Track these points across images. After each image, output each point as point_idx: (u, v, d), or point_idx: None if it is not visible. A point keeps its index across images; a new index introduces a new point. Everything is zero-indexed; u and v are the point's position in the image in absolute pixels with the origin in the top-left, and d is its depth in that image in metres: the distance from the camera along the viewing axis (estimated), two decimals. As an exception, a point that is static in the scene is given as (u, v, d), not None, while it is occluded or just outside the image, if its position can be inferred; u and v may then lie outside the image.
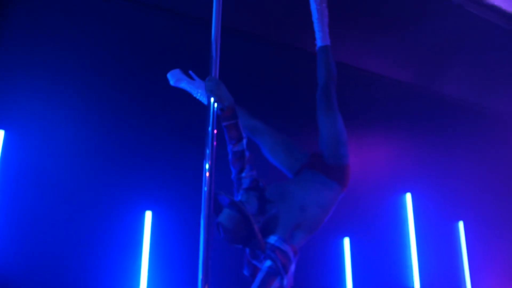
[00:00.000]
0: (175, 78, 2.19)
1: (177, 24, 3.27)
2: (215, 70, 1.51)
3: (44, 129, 2.61)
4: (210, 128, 1.45)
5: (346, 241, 3.58)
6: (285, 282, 1.49)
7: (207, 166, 1.41)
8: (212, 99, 1.48)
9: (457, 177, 4.53)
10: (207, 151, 1.41)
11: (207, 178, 1.40)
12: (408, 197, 4.08)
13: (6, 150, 2.42)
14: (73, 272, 2.52)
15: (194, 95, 2.10)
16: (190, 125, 3.05)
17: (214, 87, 1.49)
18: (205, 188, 1.38)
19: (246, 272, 1.66)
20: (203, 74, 1.80)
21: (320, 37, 1.92)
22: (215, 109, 1.48)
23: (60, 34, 2.80)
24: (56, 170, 2.58)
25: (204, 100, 1.84)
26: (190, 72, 2.05)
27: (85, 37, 2.88)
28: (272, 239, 1.53)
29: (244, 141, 1.62)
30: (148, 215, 2.75)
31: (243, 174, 1.66)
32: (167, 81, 2.25)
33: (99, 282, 2.56)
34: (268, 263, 1.50)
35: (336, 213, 3.35)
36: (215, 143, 1.44)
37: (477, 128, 4.89)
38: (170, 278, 2.78)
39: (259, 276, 1.51)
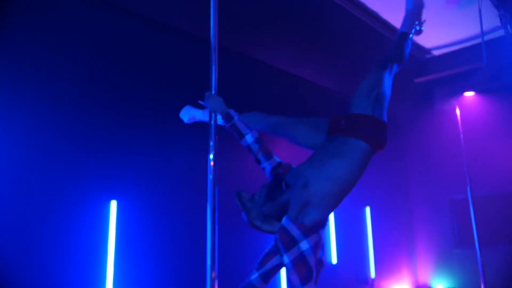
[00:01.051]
0: (187, 117, 2.31)
1: (179, 41, 3.46)
2: (214, 85, 1.84)
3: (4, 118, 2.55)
4: (212, 121, 1.78)
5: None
6: (285, 259, 1.56)
7: (211, 156, 1.74)
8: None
9: (365, 172, 5.41)
10: (211, 143, 1.75)
11: (211, 167, 1.73)
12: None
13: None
14: (38, 264, 2.49)
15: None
16: (156, 114, 3.20)
17: (209, 101, 1.80)
18: (210, 176, 1.71)
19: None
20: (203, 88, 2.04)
21: (405, 25, 2.15)
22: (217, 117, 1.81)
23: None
24: (20, 159, 2.55)
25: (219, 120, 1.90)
26: (200, 102, 2.05)
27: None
28: (282, 220, 1.63)
29: (247, 136, 1.76)
30: (114, 204, 2.83)
31: (261, 166, 1.81)
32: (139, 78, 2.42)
33: (65, 273, 2.57)
34: (273, 242, 1.65)
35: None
36: (216, 136, 1.77)
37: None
38: (136, 268, 2.89)
39: (262, 255, 1.72)
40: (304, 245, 1.57)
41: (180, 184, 3.26)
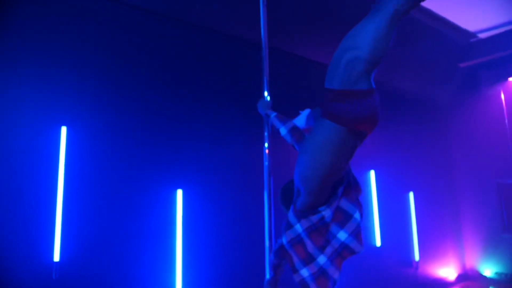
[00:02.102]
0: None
1: (232, 45, 3.76)
2: (265, 84, 2.14)
3: (92, 119, 3.02)
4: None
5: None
6: (283, 240, 1.61)
7: (266, 145, 2.07)
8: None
9: (408, 157, 5.50)
10: (265, 134, 2.08)
11: (267, 155, 2.06)
12: (372, 173, 5.00)
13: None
14: (114, 250, 2.91)
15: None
16: (216, 111, 3.54)
17: (258, 104, 2.11)
18: (266, 163, 2.04)
19: None
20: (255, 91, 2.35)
21: None
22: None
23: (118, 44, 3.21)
24: (104, 158, 3.02)
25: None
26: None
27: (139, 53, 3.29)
28: None
29: (281, 129, 1.91)
30: (179, 193, 3.23)
31: None
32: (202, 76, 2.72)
33: (137, 258, 3.00)
34: None
35: None
36: (270, 128, 2.10)
37: (422, 115, 5.88)
38: (202, 252, 3.27)
39: None
40: (299, 228, 1.57)
41: (239, 172, 3.62)
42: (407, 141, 5.54)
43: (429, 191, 5.70)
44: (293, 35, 4.09)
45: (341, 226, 1.58)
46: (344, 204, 1.60)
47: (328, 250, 1.56)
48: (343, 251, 1.57)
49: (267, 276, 1.89)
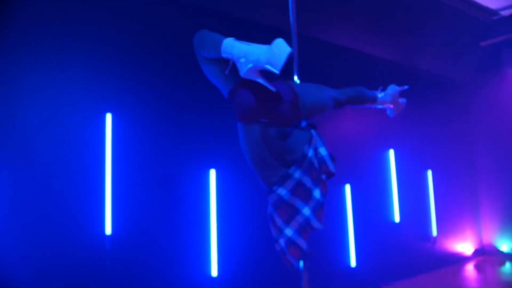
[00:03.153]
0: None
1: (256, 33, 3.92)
2: (296, 70, 2.30)
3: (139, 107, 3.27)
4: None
5: (347, 187, 4.59)
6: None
7: None
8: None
9: (426, 136, 5.62)
10: None
11: None
12: (391, 152, 5.17)
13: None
14: (156, 224, 3.20)
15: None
16: None
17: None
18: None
19: None
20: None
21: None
22: None
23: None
24: (146, 141, 3.29)
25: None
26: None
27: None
28: None
29: None
30: (212, 173, 3.50)
31: None
32: None
33: (177, 230, 3.29)
34: None
35: (339, 165, 4.37)
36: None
37: (441, 95, 5.95)
38: (234, 228, 3.53)
39: None
40: (269, 204, 1.73)
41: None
42: (426, 120, 5.65)
43: (448, 169, 5.84)
44: (321, 21, 4.20)
45: (306, 202, 1.69)
46: (307, 182, 1.68)
47: (295, 224, 1.67)
48: (306, 226, 1.67)
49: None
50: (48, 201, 2.78)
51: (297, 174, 1.67)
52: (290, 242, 1.66)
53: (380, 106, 2.27)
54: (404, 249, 5.03)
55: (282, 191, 1.67)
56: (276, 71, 1.51)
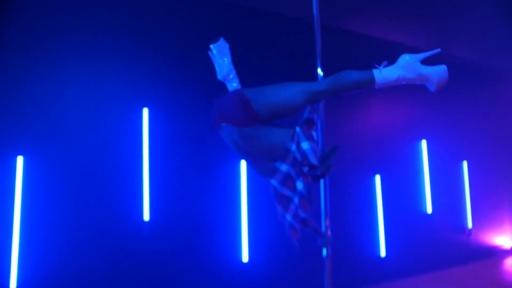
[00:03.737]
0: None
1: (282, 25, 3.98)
2: (318, 61, 2.31)
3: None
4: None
5: (377, 178, 4.61)
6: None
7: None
8: None
9: (461, 126, 5.46)
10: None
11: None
12: (424, 143, 5.08)
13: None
14: (190, 211, 3.49)
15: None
16: None
17: None
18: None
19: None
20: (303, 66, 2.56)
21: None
22: None
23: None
24: (180, 133, 3.47)
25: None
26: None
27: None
28: None
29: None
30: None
31: None
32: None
33: (208, 217, 3.56)
34: None
35: (369, 156, 4.27)
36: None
37: (477, 83, 5.73)
38: (265, 216, 3.66)
39: None
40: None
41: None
42: (462, 110, 5.49)
43: (485, 160, 5.65)
44: (346, 10, 4.19)
45: (294, 193, 1.85)
46: (293, 174, 1.84)
47: (290, 211, 1.85)
48: (297, 214, 1.83)
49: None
50: (91, 192, 3.04)
51: (283, 167, 1.83)
52: (291, 226, 1.84)
53: (404, 83, 1.96)
54: (436, 241, 4.97)
55: (274, 183, 1.86)
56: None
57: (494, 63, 5.87)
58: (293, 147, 1.82)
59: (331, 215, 2.59)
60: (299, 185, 1.81)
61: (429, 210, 4.95)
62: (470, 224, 5.33)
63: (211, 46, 2.12)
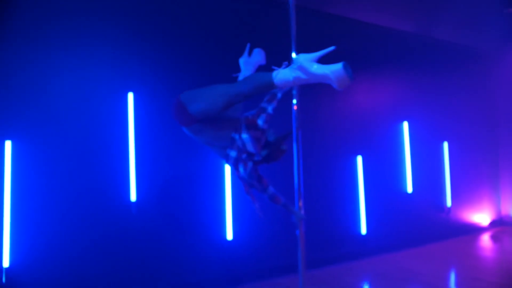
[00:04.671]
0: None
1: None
2: (293, 43, 2.37)
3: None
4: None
5: (359, 159, 4.75)
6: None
7: (294, 101, 2.42)
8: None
9: (443, 108, 5.60)
10: (294, 91, 2.43)
11: (295, 111, 2.43)
12: (405, 124, 5.22)
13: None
14: (177, 193, 3.62)
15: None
16: None
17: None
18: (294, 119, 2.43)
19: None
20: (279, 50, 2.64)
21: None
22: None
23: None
24: (165, 117, 3.57)
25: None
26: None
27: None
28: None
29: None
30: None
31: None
32: None
33: (195, 199, 3.69)
34: None
35: (351, 137, 4.37)
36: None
37: (459, 65, 5.82)
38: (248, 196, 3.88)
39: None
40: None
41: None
42: (444, 92, 5.61)
43: (466, 141, 5.82)
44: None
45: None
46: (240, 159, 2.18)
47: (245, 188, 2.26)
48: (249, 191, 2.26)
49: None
50: (78, 174, 3.15)
51: (232, 154, 2.14)
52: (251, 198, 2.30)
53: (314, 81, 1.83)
54: (416, 219, 5.17)
55: (230, 167, 2.22)
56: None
57: (477, 45, 5.97)
58: (237, 137, 2.11)
59: (314, 195, 2.74)
60: (241, 169, 2.12)
61: (409, 189, 5.13)
62: (449, 203, 5.54)
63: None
